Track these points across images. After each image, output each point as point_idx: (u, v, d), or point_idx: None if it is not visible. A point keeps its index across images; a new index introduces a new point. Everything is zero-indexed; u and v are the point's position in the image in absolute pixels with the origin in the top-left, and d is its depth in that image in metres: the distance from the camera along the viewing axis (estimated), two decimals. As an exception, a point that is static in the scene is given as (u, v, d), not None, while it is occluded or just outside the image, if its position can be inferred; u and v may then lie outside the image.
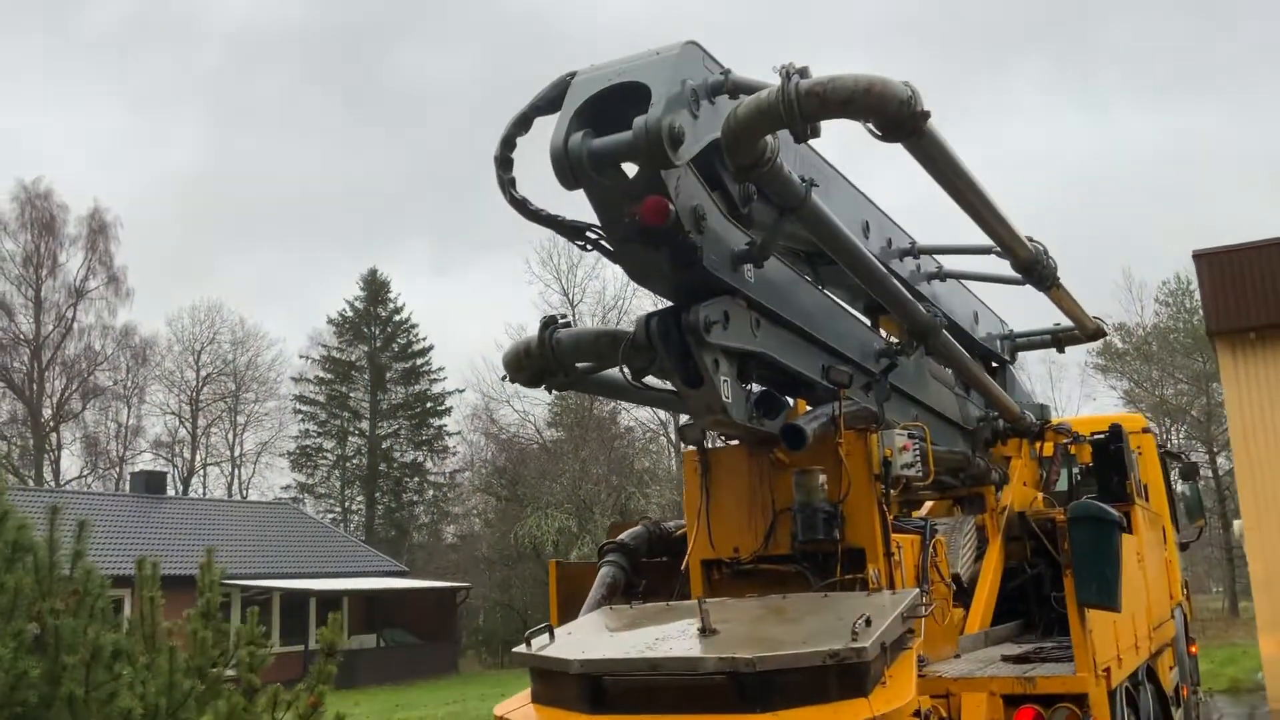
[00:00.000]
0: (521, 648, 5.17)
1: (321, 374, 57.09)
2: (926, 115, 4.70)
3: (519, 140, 5.20)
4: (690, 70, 4.96)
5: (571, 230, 5.18)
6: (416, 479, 57.64)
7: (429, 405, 57.25)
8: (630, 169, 4.97)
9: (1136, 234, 66.79)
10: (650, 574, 6.51)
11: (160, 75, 75.23)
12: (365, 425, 57.25)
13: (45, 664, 4.82)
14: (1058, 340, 11.01)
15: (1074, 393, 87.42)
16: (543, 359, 5.58)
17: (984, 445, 9.67)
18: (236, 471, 56.80)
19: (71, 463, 51.73)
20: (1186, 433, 47.12)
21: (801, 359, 6.10)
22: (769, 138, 4.83)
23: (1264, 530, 14.48)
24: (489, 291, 78.71)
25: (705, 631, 4.89)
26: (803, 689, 4.49)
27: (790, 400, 6.26)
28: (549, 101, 5.14)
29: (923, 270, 8.34)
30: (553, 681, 5.02)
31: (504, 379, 5.79)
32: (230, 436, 56.60)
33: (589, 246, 5.17)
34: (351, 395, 57.56)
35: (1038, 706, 5.40)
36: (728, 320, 5.35)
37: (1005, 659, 6.30)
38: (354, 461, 57.09)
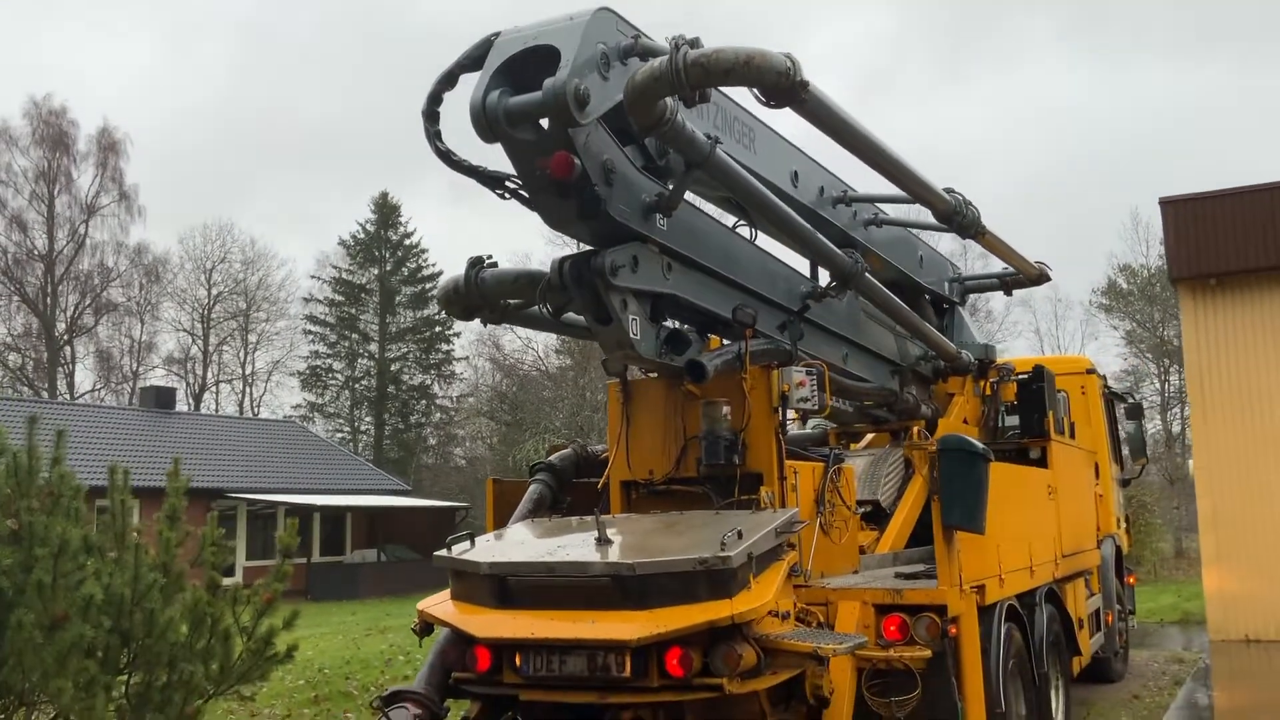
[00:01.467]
0: (442, 552, 5.83)
1: (332, 295, 57.79)
2: (804, 85, 5.20)
3: (446, 96, 5.71)
4: (603, 34, 5.45)
5: (491, 180, 5.71)
6: (424, 402, 58.59)
7: (437, 330, 57.92)
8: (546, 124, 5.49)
9: (1150, 178, 66.53)
10: (577, 493, 7.13)
11: (193, 11, 75.57)
12: (374, 348, 58.03)
13: (19, 554, 5.49)
14: (1005, 284, 11.53)
15: (1077, 332, 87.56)
16: (469, 297, 6.15)
17: (923, 382, 10.25)
18: (248, 390, 57.91)
19: (85, 377, 52.88)
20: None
21: (715, 300, 6.65)
22: (667, 100, 5.33)
23: (1213, 470, 15.03)
24: (501, 220, 79.18)
25: (601, 541, 5.53)
26: (676, 591, 5.13)
27: (702, 337, 6.83)
28: (473, 60, 5.63)
29: (859, 218, 8.83)
30: (467, 581, 5.68)
31: (439, 312, 6.37)
32: (241, 355, 57.63)
33: (507, 195, 5.70)
34: (361, 317, 58.27)
35: (904, 615, 6.03)
36: (637, 264, 5.90)
37: (898, 575, 6.91)
38: (363, 383, 57.99)
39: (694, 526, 5.69)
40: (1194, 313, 15.47)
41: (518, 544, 5.99)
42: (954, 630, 5.97)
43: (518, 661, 5.38)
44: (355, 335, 57.90)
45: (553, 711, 5.33)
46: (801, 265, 8.33)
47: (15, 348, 48.91)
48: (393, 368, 58.03)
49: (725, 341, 6.86)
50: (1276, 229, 14.76)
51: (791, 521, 5.72)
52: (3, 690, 5.55)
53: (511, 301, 6.44)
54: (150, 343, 54.35)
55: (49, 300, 49.44)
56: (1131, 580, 13.24)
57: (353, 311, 57.90)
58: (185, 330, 55.57)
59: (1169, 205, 15.53)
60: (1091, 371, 12.60)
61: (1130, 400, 13.82)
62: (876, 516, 8.53)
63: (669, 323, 6.59)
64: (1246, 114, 73.28)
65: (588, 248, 5.96)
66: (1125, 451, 13.74)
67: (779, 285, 7.48)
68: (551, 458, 7.32)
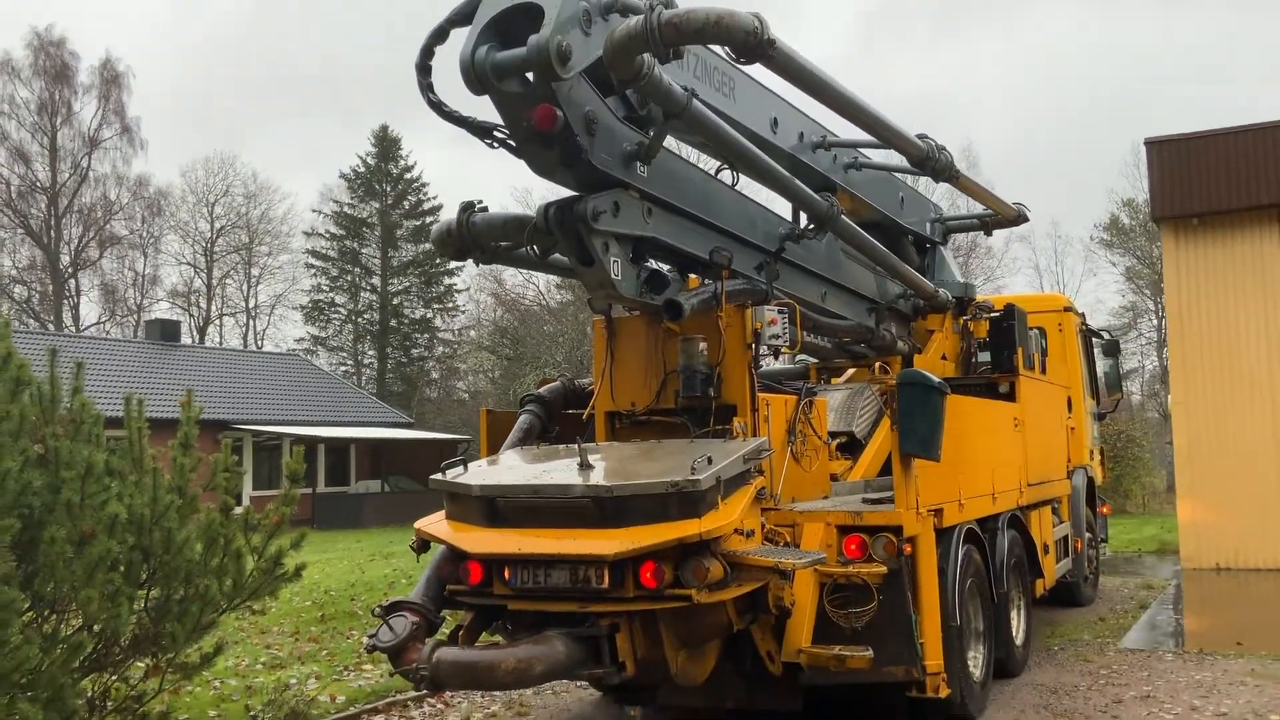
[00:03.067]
0: (438, 476, 6.31)
1: (333, 229, 58.02)
2: (772, 43, 5.56)
3: (437, 50, 6.06)
4: (585, -9, 5.79)
5: (480, 130, 6.08)
6: (426, 335, 59.10)
7: (438, 264, 58.20)
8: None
9: (1155, 116, 66.19)
10: (564, 424, 7.60)
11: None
12: (376, 281, 58.40)
13: (46, 476, 5.97)
14: (985, 224, 11.92)
15: (1077, 268, 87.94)
16: (461, 239, 6.56)
17: (902, 320, 10.67)
18: (251, 323, 58.45)
19: (90, 309, 53.42)
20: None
21: (694, 242, 7.06)
22: (644, 56, 5.69)
23: (1190, 405, 15.51)
24: (503, 160, 78.86)
25: (583, 466, 6.00)
26: (650, 511, 5.61)
27: (682, 278, 7.26)
28: (463, 15, 5.98)
29: (839, 162, 9.19)
30: (460, 502, 6.17)
31: (424, 244, 6.78)
32: (245, 288, 58.08)
33: (495, 144, 6.08)
34: (363, 251, 58.54)
35: (863, 535, 6.53)
36: (618, 209, 6.30)
37: (865, 500, 7.39)
38: (366, 317, 58.46)
39: (669, 453, 6.16)
40: (1175, 251, 15.84)
41: (507, 469, 6.47)
42: (909, 549, 6.46)
43: (506, 575, 5.88)
44: (357, 269, 58.22)
45: (538, 620, 5.84)
46: (784, 209, 8.73)
47: (21, 280, 49.35)
48: (394, 301, 58.44)
49: (704, 281, 7.27)
50: (1260, 169, 15.07)
51: (760, 449, 6.19)
52: (36, 600, 6.05)
53: (502, 244, 6.85)
54: (154, 276, 54.85)
55: (53, 233, 49.79)
56: (1105, 510, 13.77)
57: (354, 245, 58.16)
58: (188, 263, 56.02)
59: (1154, 145, 15.83)
60: (1069, 309, 13.02)
61: (1106, 337, 14.25)
62: (852, 447, 9.00)
63: (650, 264, 7.00)
64: (1248, 53, 72.64)
65: (573, 193, 6.35)
66: (1101, 387, 14.20)
67: (757, 228, 7.87)
68: (541, 390, 7.78)
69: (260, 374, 38.77)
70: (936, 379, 6.61)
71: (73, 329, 48.54)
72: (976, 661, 7.78)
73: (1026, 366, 9.97)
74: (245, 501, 35.25)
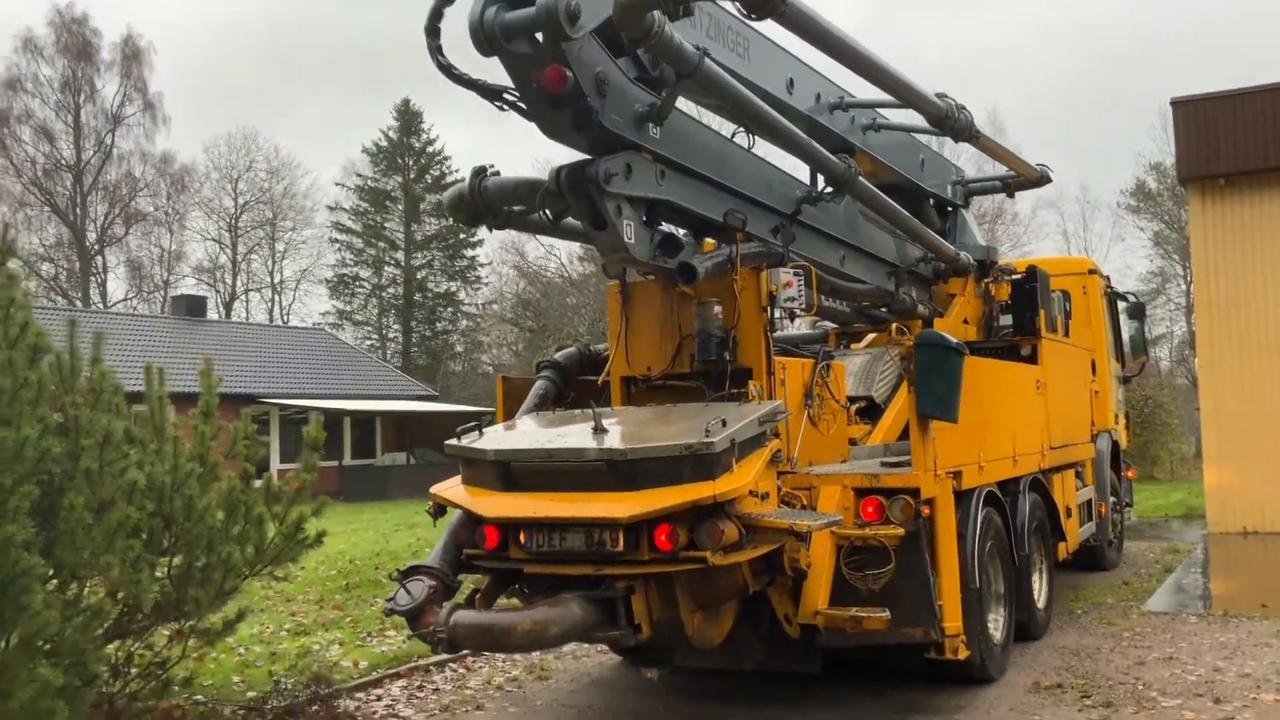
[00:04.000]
0: (453, 441, 6.32)
1: (357, 203, 58.13)
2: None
3: (446, 12, 6.01)
4: (594, -51, 5.72)
5: (490, 93, 6.03)
6: (450, 309, 59.25)
7: (461, 237, 58.25)
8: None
9: (1190, 77, 65.09)
10: (580, 389, 7.59)
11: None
12: (400, 255, 58.52)
13: (66, 444, 6.02)
14: (1007, 186, 11.79)
15: (1105, 233, 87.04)
16: (473, 203, 6.53)
17: (922, 283, 10.59)
18: (277, 298, 58.73)
19: (117, 286, 53.86)
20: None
21: (708, 204, 7.00)
22: (654, 13, 5.62)
23: (1216, 368, 15.35)
24: (529, 132, 78.53)
25: (597, 430, 5.99)
26: (664, 473, 5.60)
27: (697, 241, 7.22)
28: (472, -23, 5.92)
29: (858, 123, 9.09)
30: (475, 467, 6.18)
31: (447, 218, 6.75)
32: (270, 264, 58.34)
33: (506, 107, 6.03)
34: (386, 225, 58.66)
35: (880, 497, 6.49)
36: (630, 172, 6.25)
37: (883, 464, 7.35)
38: (390, 290, 58.64)
39: (684, 417, 6.13)
40: (1202, 213, 15.62)
41: (521, 433, 6.47)
42: (927, 511, 6.42)
43: (522, 539, 5.89)
44: (381, 243, 58.36)
45: (555, 583, 5.85)
46: (803, 172, 8.64)
47: (48, 258, 49.76)
48: (419, 275, 58.58)
49: (720, 245, 7.21)
50: (1288, 128, 14.81)
51: (775, 412, 6.16)
52: (57, 567, 6.12)
53: (515, 209, 6.81)
54: (179, 252, 55.15)
55: (79, 210, 50.12)
56: (1130, 474, 13.67)
57: (378, 220, 58.27)
58: (213, 239, 56.28)
59: (1180, 105, 15.58)
60: (1094, 272, 12.88)
61: (1131, 299, 14.08)
62: (871, 412, 8.96)
63: (664, 227, 6.95)
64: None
65: (585, 156, 6.30)
66: (1126, 350, 14.06)
67: (774, 190, 7.79)
68: (556, 356, 7.77)
69: (286, 348, 39.00)
70: (954, 339, 6.55)
71: (100, 305, 48.95)
72: (997, 624, 7.74)
73: (1049, 329, 9.87)
74: (273, 474, 35.53)
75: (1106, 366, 12.57)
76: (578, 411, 6.67)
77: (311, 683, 7.85)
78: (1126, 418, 14.28)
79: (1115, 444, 12.63)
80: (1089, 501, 11.18)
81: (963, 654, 6.72)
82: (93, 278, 51.24)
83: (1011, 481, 8.44)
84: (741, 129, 7.57)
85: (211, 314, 45.77)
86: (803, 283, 6.92)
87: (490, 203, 6.51)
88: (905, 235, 9.64)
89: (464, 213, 6.60)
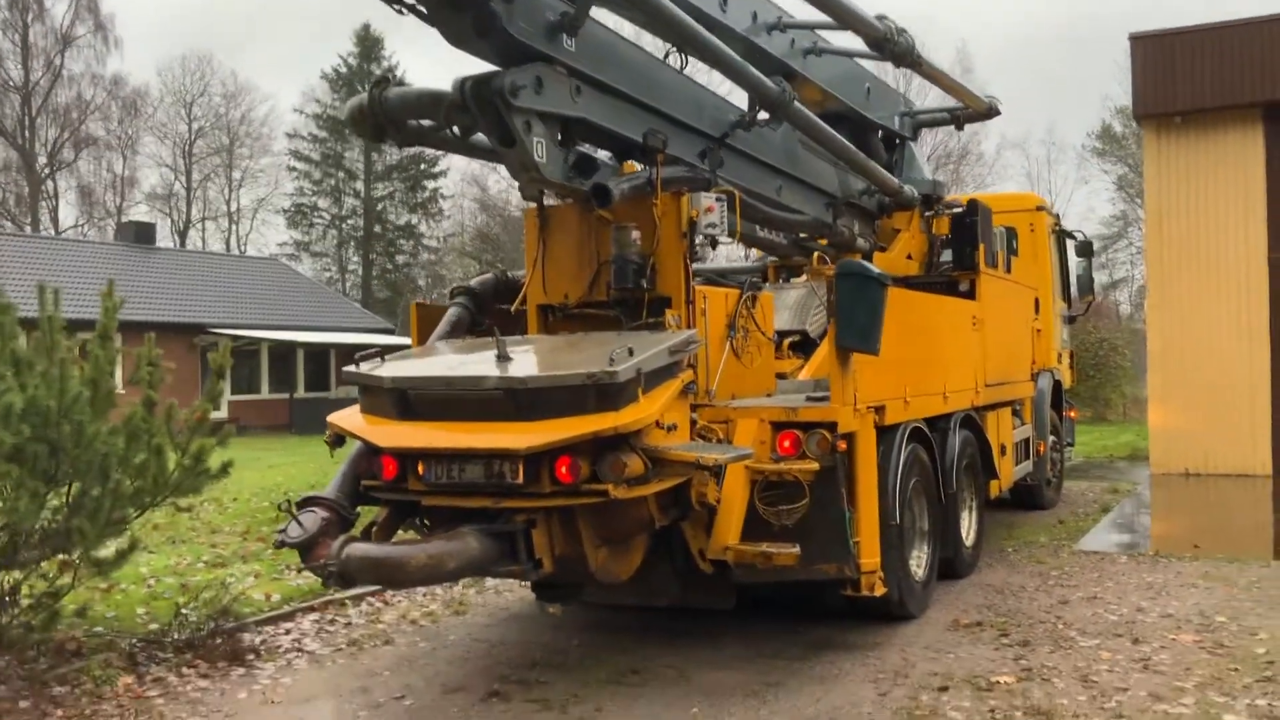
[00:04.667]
0: (351, 368, 6.04)
1: (316, 131, 56.94)
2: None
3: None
4: None
5: (388, -7, 5.66)
6: (411, 241, 58.42)
7: (423, 168, 57.27)
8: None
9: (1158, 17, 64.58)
10: (496, 318, 7.31)
11: None
12: (360, 185, 57.49)
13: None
14: (956, 118, 11.51)
15: (1070, 175, 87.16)
16: (375, 115, 6.17)
17: (866, 217, 10.34)
18: (234, 227, 57.72)
19: (69, 212, 52.62)
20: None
21: (630, 125, 6.68)
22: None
23: (1165, 309, 15.27)
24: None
25: (501, 358, 5.73)
26: (565, 403, 5.36)
27: (619, 163, 6.92)
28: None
29: (798, 47, 8.76)
30: (373, 395, 5.91)
31: (348, 131, 6.39)
32: (226, 192, 57.21)
33: (404, 10, 5.67)
34: (346, 155, 57.48)
35: (797, 431, 6.29)
36: (541, 85, 5.92)
37: (809, 398, 7.15)
38: (350, 222, 57.69)
39: (594, 345, 5.88)
40: (1156, 150, 15.45)
41: (423, 360, 6.20)
42: (844, 446, 6.23)
43: (420, 470, 5.65)
44: (341, 173, 57.25)
45: (454, 516, 5.62)
46: (742, 98, 8.30)
47: (-6, 181, 48.52)
48: (379, 206, 57.62)
49: (640, 167, 6.92)
50: (1245, 66, 14.61)
51: (687, 342, 5.92)
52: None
53: (423, 123, 6.47)
54: (132, 178, 53.94)
55: (27, 133, 48.79)
56: (1072, 414, 13.61)
57: (337, 148, 57.08)
58: (167, 166, 55.08)
59: (1138, 41, 15.32)
60: (1041, 209, 12.69)
61: (1080, 237, 13.91)
62: (806, 346, 8.76)
63: (583, 147, 6.64)
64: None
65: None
66: (1074, 289, 13.93)
67: (704, 114, 7.48)
68: (472, 282, 7.48)
69: (239, 278, 38.27)
70: (876, 270, 6.32)
71: (52, 231, 47.86)
72: (920, 561, 7.63)
73: (989, 264, 9.68)
74: (224, 408, 35.21)
75: (1051, 305, 12.43)
76: (484, 340, 6.38)
77: (218, 615, 7.62)
78: (1071, 357, 14.18)
79: (1058, 383, 12.53)
80: (1026, 440, 11.09)
81: (879, 591, 6.58)
82: (44, 203, 50.08)
83: (942, 418, 8.28)
84: (674, 48, 7.24)
85: (165, 242, 44.88)
86: (725, 208, 6.65)
87: (392, 115, 6.16)
88: (846, 166, 9.37)
89: (365, 125, 6.24)
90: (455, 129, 6.37)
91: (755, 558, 5.94)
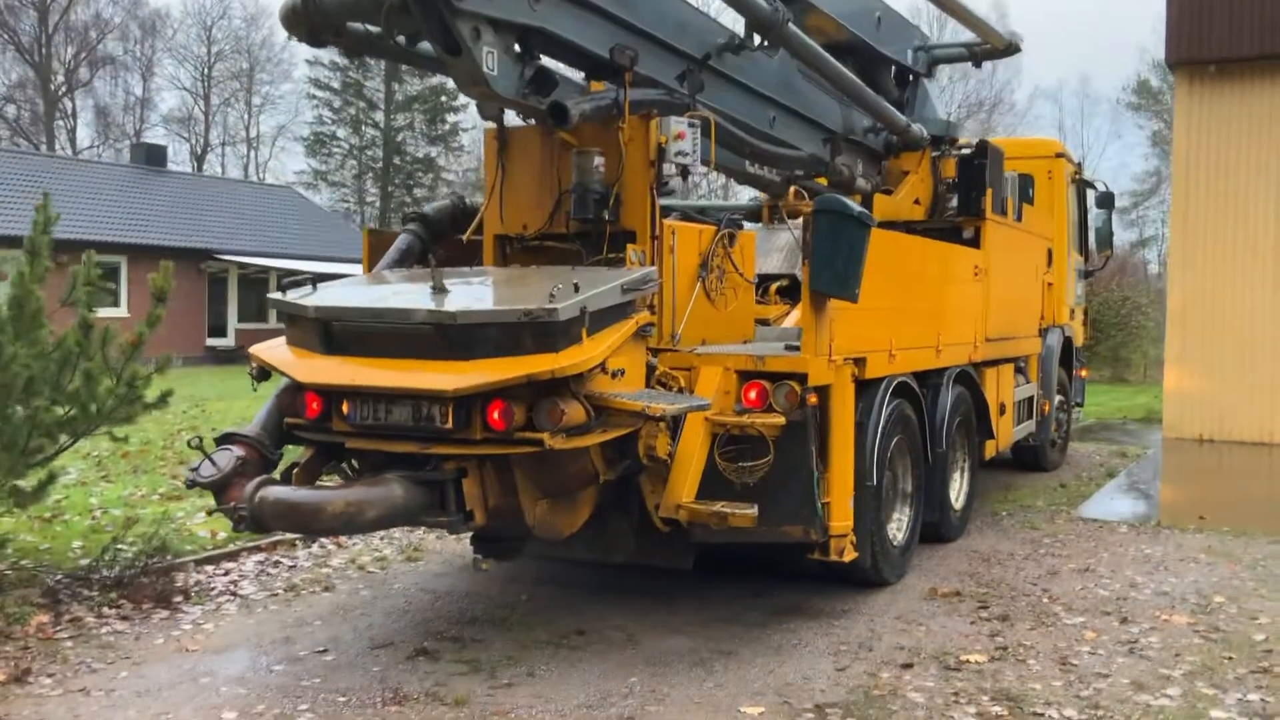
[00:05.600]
0: (276, 295, 5.55)
1: (336, 59, 56.01)
2: None
3: None
4: None
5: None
6: (430, 175, 57.73)
7: (443, 100, 56.33)
8: None
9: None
10: (453, 247, 6.79)
11: None
12: (379, 116, 56.70)
13: None
14: (974, 55, 10.82)
15: (1103, 129, 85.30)
16: (310, 16, 5.60)
17: (872, 157, 9.73)
18: (253, 154, 57.22)
19: (87, 133, 52.17)
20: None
21: (597, 40, 6.10)
22: None
23: (1187, 266, 14.58)
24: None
25: (437, 290, 5.22)
26: (500, 342, 4.87)
27: (583, 83, 6.35)
28: None
29: (800, -33, 8.11)
30: (298, 326, 5.43)
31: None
32: (246, 117, 56.61)
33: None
34: (367, 84, 56.64)
35: (765, 382, 5.78)
36: (492, -12, 5.35)
37: (788, 346, 6.63)
38: (369, 152, 57.00)
39: (543, 280, 5.36)
40: (1188, 100, 14.64)
41: (354, 290, 5.72)
42: (814, 400, 5.72)
43: (345, 409, 5.19)
44: (361, 102, 56.43)
45: (385, 460, 5.17)
46: (735, 22, 7.68)
47: (10, 99, 48.04)
48: (398, 137, 56.87)
49: (609, 87, 6.34)
50: (1287, 13, 13.76)
51: (643, 280, 5.39)
52: None
53: (366, 28, 5.89)
54: (150, 99, 53.36)
55: (44, 51, 48.21)
56: (1082, 373, 13.01)
57: (357, 77, 56.20)
58: (186, 89, 54.45)
59: (1174, -15, 14.46)
60: (1061, 155, 11.99)
61: (1101, 188, 13.19)
62: (796, 292, 8.20)
63: (546, 62, 6.07)
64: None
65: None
66: (1091, 242, 13.26)
67: (687, 32, 6.89)
68: (426, 208, 6.96)
69: (251, 205, 37.78)
70: (857, 208, 5.74)
71: (69, 151, 47.45)
72: (900, 525, 7.15)
73: (996, 211, 9.06)
74: (230, 336, 34.90)
75: (1065, 258, 11.78)
76: (426, 270, 5.83)
77: (156, 552, 7.24)
78: (1085, 314, 13.53)
79: (1069, 340, 11.93)
80: (1030, 399, 10.54)
81: (849, 556, 6.11)
82: (61, 123, 49.64)
83: (934, 373, 7.76)
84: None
85: (185, 166, 44.39)
86: (698, 135, 6.07)
87: (329, 17, 5.57)
88: (847, 99, 8.75)
89: (300, 27, 5.65)
90: (400, 36, 5.82)
91: (709, 518, 5.46)
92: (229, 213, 35.59)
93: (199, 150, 54.48)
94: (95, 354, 6.79)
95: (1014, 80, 46.31)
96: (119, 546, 7.07)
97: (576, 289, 4.95)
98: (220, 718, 4.68)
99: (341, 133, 56.63)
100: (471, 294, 5.28)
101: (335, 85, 56.00)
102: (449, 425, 4.91)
